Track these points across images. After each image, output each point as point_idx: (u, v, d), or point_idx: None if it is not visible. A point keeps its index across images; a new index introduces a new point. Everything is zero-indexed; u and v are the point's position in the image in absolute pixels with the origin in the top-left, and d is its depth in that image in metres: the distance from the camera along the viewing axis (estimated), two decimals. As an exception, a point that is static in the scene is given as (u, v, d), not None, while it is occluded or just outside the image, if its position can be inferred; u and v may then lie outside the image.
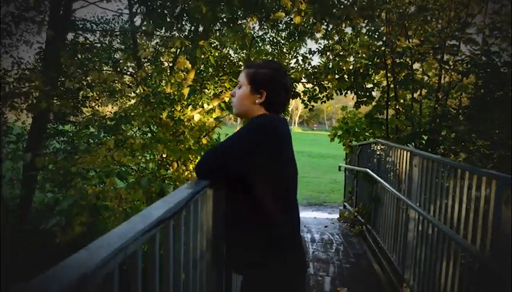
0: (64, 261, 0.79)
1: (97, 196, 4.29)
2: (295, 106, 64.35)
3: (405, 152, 4.76)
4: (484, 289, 2.71)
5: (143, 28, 6.99)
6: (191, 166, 5.77)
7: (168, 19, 5.75)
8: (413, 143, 7.09)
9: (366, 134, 8.80)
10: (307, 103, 9.57)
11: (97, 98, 8.25)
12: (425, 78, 8.13)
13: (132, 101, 8.36)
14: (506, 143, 5.22)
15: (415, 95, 8.00)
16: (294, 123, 75.18)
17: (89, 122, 6.07)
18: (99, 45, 8.87)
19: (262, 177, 1.89)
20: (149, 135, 6.85)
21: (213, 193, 1.98)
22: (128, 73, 8.04)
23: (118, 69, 7.64)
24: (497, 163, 4.76)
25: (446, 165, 3.58)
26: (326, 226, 8.13)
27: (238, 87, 2.03)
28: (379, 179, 5.77)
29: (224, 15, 6.76)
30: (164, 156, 5.43)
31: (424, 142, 7.02)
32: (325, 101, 9.48)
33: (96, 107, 8.25)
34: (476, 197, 3.07)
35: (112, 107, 9.50)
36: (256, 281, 1.97)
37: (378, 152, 6.22)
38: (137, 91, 7.09)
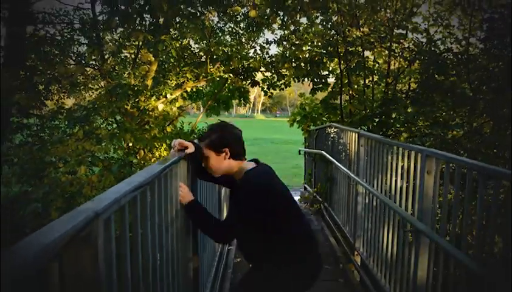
0: (80, 206, 1.16)
1: (71, 183, 4.56)
2: (258, 94, 64.79)
3: (354, 134, 5.25)
4: (415, 246, 3.19)
5: (105, 21, 7.17)
6: (157, 153, 6.09)
7: (131, 15, 6.00)
8: (365, 127, 7.61)
9: (323, 118, 9.30)
10: (267, 90, 10.00)
11: (63, 91, 8.36)
12: (376, 65, 8.67)
13: (94, 94, 8.53)
14: (444, 123, 5.80)
15: (367, 81, 8.54)
16: (257, 110, 75.70)
17: (55, 114, 6.25)
18: (60, 38, 8.92)
19: (276, 212, 2.36)
20: (115, 125, 7.09)
21: (179, 171, 2.36)
22: (92, 66, 8.19)
23: (83, 62, 7.80)
24: (434, 141, 5.30)
25: (385, 143, 4.06)
26: (287, 207, 8.61)
27: (204, 158, 2.45)
28: (332, 160, 6.26)
29: (183, 8, 7.04)
30: (130, 144, 5.71)
31: (375, 124, 7.55)
32: (283, 89, 9.94)
33: (61, 100, 8.35)
34: (407, 169, 3.57)
35: (76, 100, 9.60)
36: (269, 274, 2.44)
37: (332, 135, 6.71)
38: (102, 84, 7.29)
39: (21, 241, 0.92)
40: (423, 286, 3.06)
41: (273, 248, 2.40)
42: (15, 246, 0.89)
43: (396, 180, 3.75)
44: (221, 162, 2.43)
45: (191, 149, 2.47)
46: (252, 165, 2.48)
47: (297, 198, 9.66)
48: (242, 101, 10.60)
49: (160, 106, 7.01)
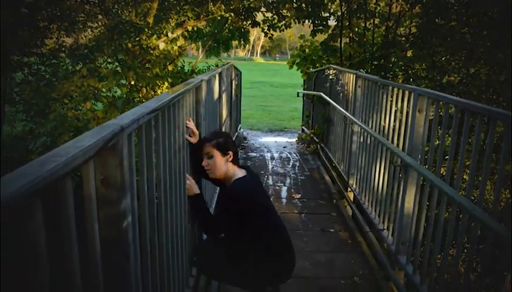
0: (105, 123, 1.33)
1: (77, 118, 4.72)
2: (257, 36, 63.64)
3: (351, 75, 5.37)
4: (404, 180, 3.41)
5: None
6: (159, 91, 6.21)
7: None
8: (364, 70, 7.68)
9: (323, 61, 9.32)
10: (267, 31, 9.96)
11: (62, 29, 8.30)
12: (377, 7, 8.60)
13: (94, 32, 8.47)
14: (441, 67, 5.90)
15: (368, 24, 8.51)
16: (256, 53, 74.63)
17: (56, 52, 6.30)
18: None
19: (252, 220, 2.64)
20: (116, 64, 7.15)
21: (186, 103, 2.53)
22: (92, 3, 8.10)
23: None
24: (429, 85, 5.43)
25: (380, 83, 4.20)
26: (284, 147, 8.86)
27: (207, 158, 2.66)
28: (330, 101, 6.40)
29: None
30: (133, 82, 5.81)
31: (373, 68, 7.63)
32: (283, 30, 9.90)
33: (61, 38, 8.31)
34: (401, 108, 3.73)
35: (75, 39, 9.54)
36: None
37: (331, 77, 6.82)
38: (102, 22, 7.26)
39: (61, 146, 1.10)
40: (409, 217, 3.31)
41: (249, 247, 2.73)
42: (56, 149, 1.06)
43: (389, 119, 3.93)
44: (223, 164, 2.68)
45: (195, 138, 2.77)
46: (242, 173, 2.75)
47: (294, 139, 9.89)
48: (242, 41, 10.56)
49: (161, 45, 7.04)
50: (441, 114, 4.94)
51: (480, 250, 4.10)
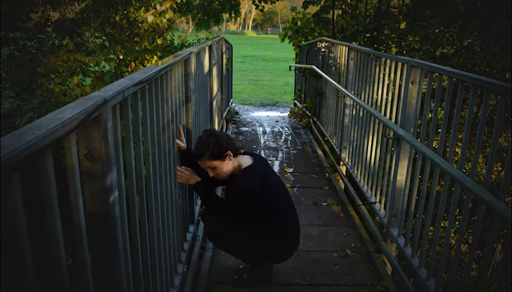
0: (88, 95, 1.28)
1: (64, 93, 4.62)
2: (248, 9, 62.80)
3: (344, 47, 5.29)
4: (396, 153, 3.39)
5: None
6: (148, 65, 6.07)
7: None
8: (356, 43, 7.59)
9: (315, 34, 9.20)
10: (258, 3, 9.78)
11: (48, 2, 8.05)
12: (370, -22, 8.46)
13: (80, 7, 8.26)
14: (434, 39, 5.82)
15: (361, -5, 8.37)
16: (248, 27, 73.73)
17: (42, 27, 6.13)
18: None
19: (261, 206, 2.68)
20: (104, 38, 7.00)
21: (175, 76, 2.46)
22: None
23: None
24: (422, 57, 5.37)
25: (373, 55, 4.13)
26: (277, 121, 8.81)
27: (211, 170, 2.62)
28: (322, 74, 6.34)
29: None
30: (121, 56, 5.70)
31: (366, 40, 7.53)
32: (274, 2, 9.72)
33: (47, 12, 8.08)
34: (394, 80, 3.69)
35: (60, 13, 9.31)
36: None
37: (323, 50, 6.73)
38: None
39: (41, 118, 1.05)
40: (401, 189, 3.30)
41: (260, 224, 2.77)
42: (36, 121, 1.01)
43: (382, 92, 3.89)
44: (228, 165, 2.62)
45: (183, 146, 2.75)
46: (248, 160, 2.72)
47: (286, 114, 9.83)
48: (233, 14, 10.37)
49: (150, 18, 6.89)
50: (434, 87, 4.92)
51: (472, 222, 4.14)
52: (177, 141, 2.72)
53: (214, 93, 5.37)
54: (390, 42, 7.23)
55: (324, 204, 4.55)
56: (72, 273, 1.10)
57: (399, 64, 3.46)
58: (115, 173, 1.35)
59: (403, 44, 6.10)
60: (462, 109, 3.25)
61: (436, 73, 2.82)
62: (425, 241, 2.84)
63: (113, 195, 1.33)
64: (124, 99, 1.50)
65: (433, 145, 3.39)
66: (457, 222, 4.45)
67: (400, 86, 3.46)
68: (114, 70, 5.21)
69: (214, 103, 5.35)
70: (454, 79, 2.56)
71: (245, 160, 2.73)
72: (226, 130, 7.46)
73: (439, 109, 4.20)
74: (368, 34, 7.50)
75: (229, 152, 2.60)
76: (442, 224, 3.13)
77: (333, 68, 5.97)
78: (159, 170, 2.09)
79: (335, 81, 5.55)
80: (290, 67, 9.70)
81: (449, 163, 2.48)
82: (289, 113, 9.59)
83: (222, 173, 2.64)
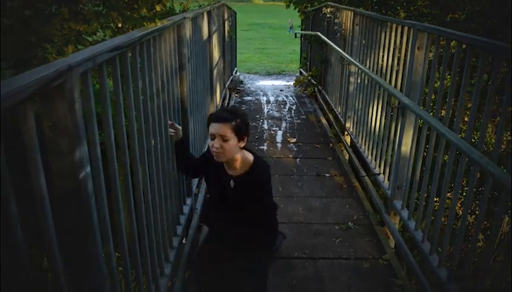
0: (55, 60, 1.15)
1: (59, 62, 4.45)
2: (256, -24, 61.43)
3: (349, 12, 5.08)
4: (401, 122, 3.25)
5: None
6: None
7: None
8: (364, 8, 7.32)
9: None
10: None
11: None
12: None
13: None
14: (444, 3, 5.58)
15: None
16: (255, -6, 72.27)
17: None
18: None
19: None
20: (101, 6, 6.78)
21: (165, 41, 2.32)
22: None
23: None
24: (432, 20, 5.15)
25: (378, 20, 3.94)
26: (281, 90, 8.64)
27: (221, 140, 2.28)
28: (328, 40, 6.13)
29: None
30: (120, 25, 5.53)
31: (373, 5, 7.26)
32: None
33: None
34: (399, 46, 3.51)
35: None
36: None
37: (328, 16, 6.50)
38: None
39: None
40: (405, 160, 3.18)
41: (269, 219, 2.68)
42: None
43: (387, 58, 3.72)
44: (237, 148, 2.35)
45: (178, 134, 2.60)
46: (250, 155, 2.49)
47: (292, 82, 9.64)
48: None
49: (150, -16, 6.66)
50: (441, 54, 4.71)
51: (478, 193, 4.01)
52: (174, 125, 2.58)
53: (215, 62, 5.22)
54: (399, 7, 6.97)
55: (327, 175, 4.45)
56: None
57: (405, 28, 3.28)
58: (86, 147, 1.23)
59: (411, 8, 5.85)
60: (471, 77, 3.06)
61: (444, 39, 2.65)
62: (430, 214, 2.72)
63: (84, 171, 1.22)
64: (99, 65, 1.37)
65: (442, 114, 3.25)
66: (463, 194, 4.33)
67: (406, 52, 3.29)
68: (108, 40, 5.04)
69: (215, 71, 5.20)
70: (464, 45, 2.40)
71: (249, 156, 2.50)
72: (229, 99, 7.31)
73: (447, 76, 4.02)
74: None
75: (246, 138, 2.38)
76: (448, 195, 3.00)
77: (338, 34, 5.76)
78: (147, 142, 1.98)
79: (340, 48, 5.36)
80: (295, 34, 9.45)
81: (455, 134, 2.34)
82: (294, 82, 9.39)
83: (226, 152, 2.33)
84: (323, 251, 3.14)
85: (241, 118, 2.33)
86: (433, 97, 2.90)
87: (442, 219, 2.69)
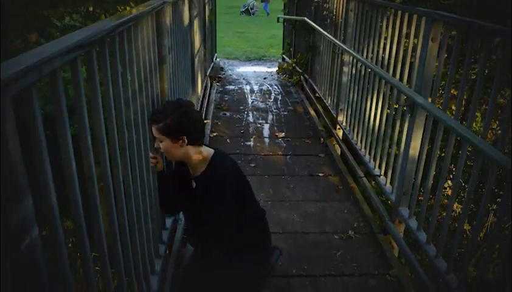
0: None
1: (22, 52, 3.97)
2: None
3: (341, -3, 4.69)
4: (409, 122, 2.92)
5: None
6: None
7: None
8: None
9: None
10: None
11: None
12: None
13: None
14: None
15: None
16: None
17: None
18: None
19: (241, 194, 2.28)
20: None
21: (142, 32, 1.91)
22: None
23: None
24: (429, 6, 4.81)
25: (379, 6, 3.57)
26: (265, 78, 8.23)
27: (158, 141, 2.10)
28: (316, 26, 5.75)
29: None
30: (90, 8, 5.04)
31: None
32: None
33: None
34: (406, 36, 3.16)
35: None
36: None
37: (316, 0, 6.10)
38: None
39: None
40: (413, 165, 2.86)
41: (237, 227, 2.28)
42: None
43: (390, 49, 3.36)
44: (177, 149, 2.12)
45: (158, 166, 2.29)
46: (210, 151, 2.25)
47: (274, 69, 9.23)
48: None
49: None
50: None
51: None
52: (156, 156, 2.23)
53: (196, 50, 4.79)
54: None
55: (320, 174, 4.10)
56: None
57: (414, 16, 2.92)
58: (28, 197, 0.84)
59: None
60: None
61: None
62: (446, 227, 2.40)
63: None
64: (53, 72, 0.97)
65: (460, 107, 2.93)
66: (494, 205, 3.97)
67: (415, 44, 2.94)
68: (78, 25, 4.56)
69: (196, 60, 4.78)
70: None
71: (209, 152, 2.25)
72: (211, 89, 6.87)
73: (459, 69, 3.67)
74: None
75: (184, 137, 2.09)
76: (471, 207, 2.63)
77: (328, 21, 5.38)
78: (122, 152, 1.59)
79: (331, 35, 4.98)
80: (278, 19, 9.02)
81: (482, 139, 2.02)
82: (277, 69, 8.98)
83: (167, 153, 2.15)
84: (323, 266, 2.81)
85: (173, 117, 2.06)
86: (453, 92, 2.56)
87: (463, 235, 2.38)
